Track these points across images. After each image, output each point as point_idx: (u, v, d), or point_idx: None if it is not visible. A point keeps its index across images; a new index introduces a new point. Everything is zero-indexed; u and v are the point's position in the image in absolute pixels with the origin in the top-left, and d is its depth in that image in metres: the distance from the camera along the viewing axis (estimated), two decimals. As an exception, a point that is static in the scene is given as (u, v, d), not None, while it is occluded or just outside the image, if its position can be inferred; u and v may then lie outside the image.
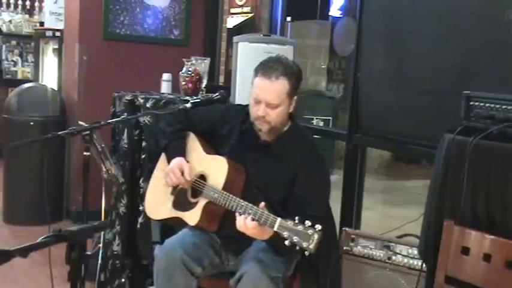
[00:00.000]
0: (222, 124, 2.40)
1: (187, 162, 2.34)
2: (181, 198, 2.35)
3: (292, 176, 2.23)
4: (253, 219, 2.00)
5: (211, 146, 2.41)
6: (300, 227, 1.87)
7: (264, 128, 2.24)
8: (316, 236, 1.84)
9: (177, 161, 2.32)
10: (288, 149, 2.28)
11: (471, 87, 1.93)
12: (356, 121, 2.92)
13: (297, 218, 1.89)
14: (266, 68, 2.21)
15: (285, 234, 1.88)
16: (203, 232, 2.32)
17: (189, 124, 2.46)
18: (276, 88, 2.18)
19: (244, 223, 2.02)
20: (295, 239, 1.86)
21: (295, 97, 2.27)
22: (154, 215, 2.48)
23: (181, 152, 2.38)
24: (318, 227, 1.85)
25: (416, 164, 7.61)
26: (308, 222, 1.86)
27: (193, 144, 2.42)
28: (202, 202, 2.25)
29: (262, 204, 2.01)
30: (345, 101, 5.56)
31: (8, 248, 1.23)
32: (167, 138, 2.43)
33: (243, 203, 2.07)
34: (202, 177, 2.30)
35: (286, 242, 1.87)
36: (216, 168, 2.26)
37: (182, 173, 2.29)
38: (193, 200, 2.30)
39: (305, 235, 1.85)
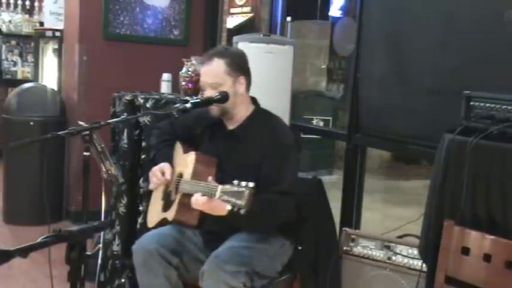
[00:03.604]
0: (196, 126, 2.48)
1: (173, 167, 2.41)
2: (168, 200, 2.41)
3: (260, 158, 2.26)
4: (202, 195, 2.05)
5: (190, 147, 2.47)
6: (235, 188, 1.90)
7: (215, 112, 2.32)
8: (246, 192, 1.86)
9: (160, 164, 2.41)
10: (252, 133, 2.32)
11: (471, 87, 1.93)
12: (356, 121, 2.92)
13: (235, 181, 1.91)
14: (203, 57, 2.39)
15: (225, 198, 1.91)
16: (185, 229, 2.35)
17: (175, 134, 2.55)
18: (211, 68, 2.30)
19: (195, 200, 2.07)
20: (232, 199, 1.89)
21: (242, 77, 2.31)
22: (150, 223, 2.53)
23: (166, 158, 2.45)
24: (250, 184, 1.88)
25: (416, 164, 7.60)
26: (243, 183, 1.89)
27: (178, 150, 2.51)
28: (178, 196, 2.31)
29: (210, 178, 2.06)
30: (345, 101, 5.55)
31: (8, 248, 1.23)
32: (155, 149, 2.55)
33: (200, 183, 2.10)
34: (181, 175, 2.37)
35: (228, 207, 1.90)
36: (187, 163, 2.33)
37: (163, 174, 2.37)
38: (173, 198, 2.36)
39: (239, 194, 1.88)
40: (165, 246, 2.26)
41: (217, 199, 1.96)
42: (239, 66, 2.32)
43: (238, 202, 1.86)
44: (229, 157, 2.33)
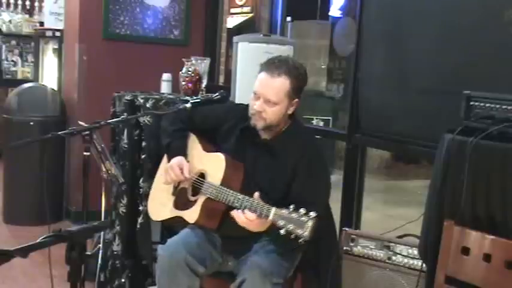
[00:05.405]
0: (223, 122, 2.41)
1: (188, 162, 2.35)
2: (182, 197, 2.36)
3: (291, 173, 2.24)
4: (250, 211, 2.02)
5: (211, 145, 2.42)
6: (294, 215, 1.88)
7: (259, 124, 2.25)
8: (310, 223, 1.85)
9: (177, 159, 2.35)
10: (287, 147, 2.29)
11: (471, 87, 1.93)
12: (356, 121, 2.92)
13: (291, 206, 1.90)
14: (271, 64, 2.23)
15: (280, 223, 1.89)
16: (205, 231, 2.33)
17: (192, 123, 2.48)
18: (275, 85, 2.20)
19: (245, 217, 2.04)
20: (290, 226, 1.87)
21: (296, 100, 2.27)
22: (156, 216, 2.49)
23: (182, 151, 2.40)
24: (312, 213, 1.86)
25: (416, 164, 7.60)
26: (302, 210, 1.87)
27: (194, 144, 2.44)
28: (201, 199, 2.27)
29: (257, 194, 2.03)
30: (345, 101, 5.55)
31: (8, 248, 1.23)
32: (169, 137, 2.45)
33: (239, 196, 2.09)
34: (202, 175, 2.32)
35: (282, 231, 1.88)
36: (214, 166, 2.28)
37: (181, 171, 2.30)
38: (193, 198, 2.32)
39: (300, 222, 1.86)
40: (193, 255, 2.23)
41: (268, 220, 1.95)
42: (300, 89, 2.26)
43: (299, 231, 1.84)
44: (259, 166, 2.29)
